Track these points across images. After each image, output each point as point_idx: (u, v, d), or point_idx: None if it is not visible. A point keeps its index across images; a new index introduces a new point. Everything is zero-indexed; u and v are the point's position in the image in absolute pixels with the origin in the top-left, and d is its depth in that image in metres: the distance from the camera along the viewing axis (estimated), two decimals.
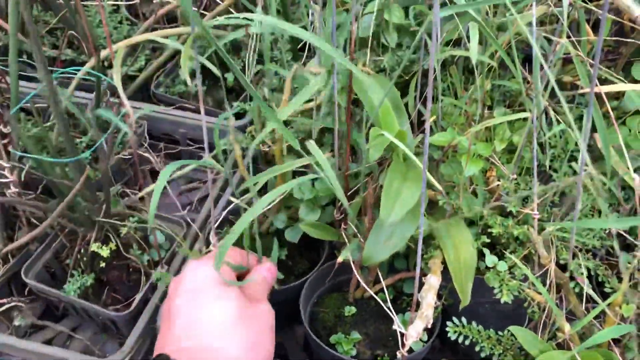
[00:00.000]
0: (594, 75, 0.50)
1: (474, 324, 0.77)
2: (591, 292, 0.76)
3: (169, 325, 0.57)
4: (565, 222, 0.77)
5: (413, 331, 0.74)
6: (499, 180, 0.90)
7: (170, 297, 0.61)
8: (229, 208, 0.88)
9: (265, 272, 0.70)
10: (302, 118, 0.98)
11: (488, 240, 0.86)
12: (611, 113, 0.77)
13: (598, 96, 0.85)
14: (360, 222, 0.86)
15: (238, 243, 0.78)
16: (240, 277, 0.72)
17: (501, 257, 0.86)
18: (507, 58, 0.80)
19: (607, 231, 0.85)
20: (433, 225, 0.86)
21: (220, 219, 0.84)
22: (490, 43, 0.82)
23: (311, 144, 0.84)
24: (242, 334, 0.57)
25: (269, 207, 0.88)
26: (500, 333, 0.77)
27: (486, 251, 0.84)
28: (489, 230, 0.86)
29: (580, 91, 0.61)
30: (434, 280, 0.81)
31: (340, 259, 0.84)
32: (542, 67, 0.77)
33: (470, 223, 0.89)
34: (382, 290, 0.84)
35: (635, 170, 0.82)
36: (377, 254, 0.80)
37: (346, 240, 0.87)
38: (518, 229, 0.83)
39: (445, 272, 0.82)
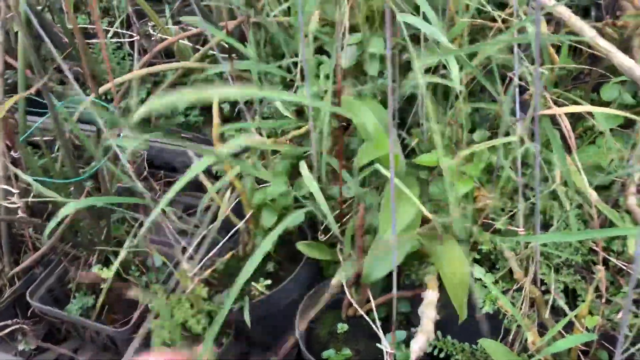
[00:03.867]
0: (537, 99, 0.55)
1: (448, 337, 0.81)
2: (562, 304, 0.80)
3: None
4: (529, 236, 0.81)
5: (415, 345, 0.77)
6: (487, 199, 0.94)
7: None
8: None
9: None
10: (289, 146, 1.03)
11: (478, 257, 0.90)
12: (571, 134, 0.82)
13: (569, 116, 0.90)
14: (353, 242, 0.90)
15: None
16: None
17: (490, 271, 0.90)
18: (484, 79, 0.86)
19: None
20: (426, 242, 0.90)
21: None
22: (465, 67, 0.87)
23: (302, 165, 0.90)
24: None
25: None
26: (474, 346, 0.80)
27: (475, 265, 0.88)
28: (479, 247, 0.90)
29: (528, 115, 0.65)
30: (432, 295, 0.84)
31: (334, 281, 0.87)
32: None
33: (460, 240, 0.93)
34: (376, 308, 0.87)
35: (598, 186, 0.86)
36: (377, 270, 0.84)
37: (341, 259, 0.91)
38: (506, 245, 0.87)
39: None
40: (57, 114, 0.85)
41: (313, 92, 0.92)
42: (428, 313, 0.75)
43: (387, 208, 0.78)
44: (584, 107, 0.73)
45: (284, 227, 0.71)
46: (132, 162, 0.98)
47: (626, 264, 0.86)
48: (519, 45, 0.90)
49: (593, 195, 0.70)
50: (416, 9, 0.91)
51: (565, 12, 0.73)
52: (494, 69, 0.82)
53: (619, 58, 0.71)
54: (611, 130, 0.94)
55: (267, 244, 0.66)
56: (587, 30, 0.72)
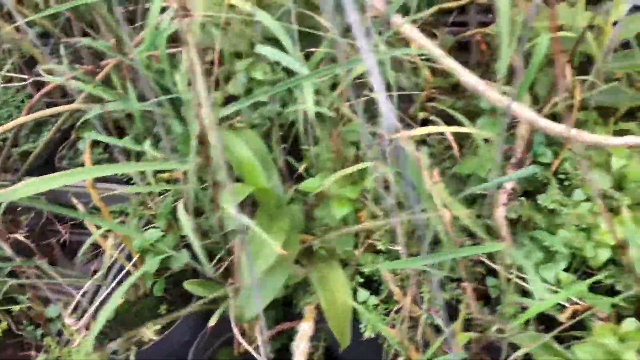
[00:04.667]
0: (386, 121, 0.54)
1: None
2: (439, 322, 0.79)
3: None
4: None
5: None
6: (370, 220, 0.94)
7: None
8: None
9: None
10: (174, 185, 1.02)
11: (362, 280, 0.89)
12: (454, 145, 0.82)
13: None
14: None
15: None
16: None
17: (377, 292, 0.89)
18: (344, 108, 0.86)
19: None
20: (305, 271, 0.90)
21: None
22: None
23: (179, 207, 0.89)
24: None
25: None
26: None
27: (359, 288, 0.87)
28: (363, 269, 0.89)
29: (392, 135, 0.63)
30: (306, 327, 0.83)
31: (211, 323, 0.86)
32: None
33: (347, 264, 0.93)
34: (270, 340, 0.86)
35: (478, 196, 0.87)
36: (249, 309, 0.82)
37: (230, 296, 0.89)
38: (383, 266, 0.86)
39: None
40: None
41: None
42: (301, 346, 0.75)
43: (253, 244, 0.77)
44: (434, 128, 0.73)
45: (141, 272, 0.71)
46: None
47: (511, 272, 0.86)
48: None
49: (447, 214, 0.70)
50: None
51: (410, 32, 0.73)
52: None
53: (464, 76, 0.71)
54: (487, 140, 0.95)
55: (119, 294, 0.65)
56: (433, 50, 0.72)
